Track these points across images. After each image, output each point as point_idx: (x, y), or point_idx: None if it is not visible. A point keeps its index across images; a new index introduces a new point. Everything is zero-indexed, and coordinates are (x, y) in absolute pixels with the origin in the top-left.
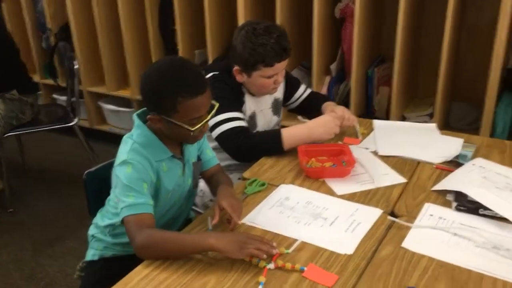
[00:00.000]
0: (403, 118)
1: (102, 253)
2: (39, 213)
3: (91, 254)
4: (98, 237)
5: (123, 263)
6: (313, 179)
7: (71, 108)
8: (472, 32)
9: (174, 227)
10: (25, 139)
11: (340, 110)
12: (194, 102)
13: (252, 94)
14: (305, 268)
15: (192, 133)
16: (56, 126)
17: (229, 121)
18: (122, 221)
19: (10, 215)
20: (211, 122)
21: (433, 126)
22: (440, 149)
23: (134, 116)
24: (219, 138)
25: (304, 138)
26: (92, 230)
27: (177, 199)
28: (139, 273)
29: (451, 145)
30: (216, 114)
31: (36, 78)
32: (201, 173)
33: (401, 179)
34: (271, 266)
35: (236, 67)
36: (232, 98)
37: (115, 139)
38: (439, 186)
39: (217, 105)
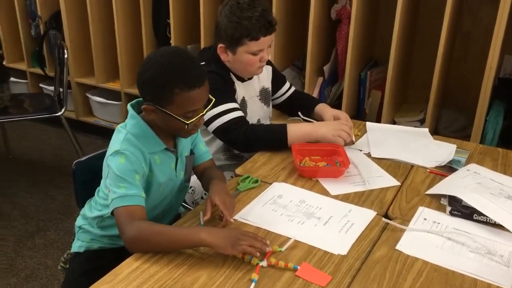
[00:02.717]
0: (394, 123)
1: (88, 245)
2: (21, 204)
3: (77, 245)
4: (86, 229)
5: (109, 256)
6: (306, 178)
7: (58, 98)
8: (467, 40)
9: (164, 222)
10: (10, 128)
11: (344, 116)
12: (191, 95)
13: (241, 80)
14: (299, 267)
15: (187, 126)
16: (42, 116)
17: (227, 112)
18: (112, 213)
19: None
20: (207, 116)
21: (425, 131)
22: (433, 153)
23: (129, 106)
24: (218, 130)
25: (308, 134)
26: (79, 221)
27: (168, 192)
28: (130, 265)
29: (445, 150)
30: (212, 106)
31: (23, 66)
32: (193, 168)
33: (395, 182)
34: (264, 263)
35: (220, 45)
36: (225, 89)
37: (101, 132)
38: (433, 190)
39: (213, 99)
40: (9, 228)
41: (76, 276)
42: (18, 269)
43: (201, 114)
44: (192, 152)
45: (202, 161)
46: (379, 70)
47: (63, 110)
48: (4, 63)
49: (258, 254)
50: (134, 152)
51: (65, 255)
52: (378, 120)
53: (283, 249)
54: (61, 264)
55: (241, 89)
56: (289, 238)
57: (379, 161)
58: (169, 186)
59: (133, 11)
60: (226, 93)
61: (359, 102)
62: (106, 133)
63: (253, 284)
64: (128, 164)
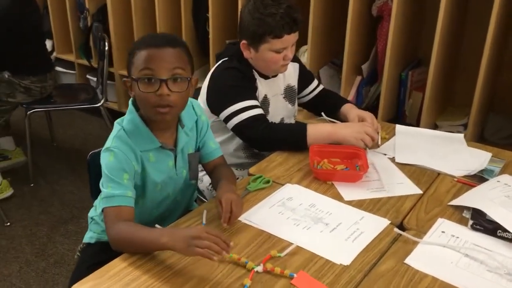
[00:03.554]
0: (435, 127)
1: (99, 236)
2: (59, 190)
3: (89, 236)
4: (96, 220)
5: None
6: (321, 181)
7: (101, 89)
8: None
9: (171, 220)
10: (56, 116)
11: (369, 117)
12: (147, 52)
13: (264, 77)
14: (295, 275)
15: (138, 87)
16: (82, 106)
17: (248, 109)
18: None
19: (31, 189)
20: (226, 113)
21: (460, 136)
22: (464, 161)
23: (130, 101)
24: (237, 128)
25: (328, 135)
26: (91, 213)
27: (171, 191)
28: (122, 262)
29: (477, 158)
30: (232, 103)
31: (72, 57)
32: (203, 165)
33: (417, 190)
34: (259, 268)
35: (243, 41)
36: (246, 86)
37: None
38: (456, 201)
39: (194, 78)
40: (46, 213)
41: (85, 268)
42: (48, 254)
43: (158, 78)
44: (198, 150)
45: (211, 158)
46: (421, 70)
47: (102, 101)
48: (54, 54)
49: (215, 258)
50: (124, 149)
51: (81, 245)
52: (418, 123)
53: (283, 254)
54: (77, 253)
55: (264, 87)
56: (291, 243)
57: (403, 166)
58: (169, 185)
59: (174, 5)
60: (246, 90)
61: (398, 103)
62: None
63: None
64: (116, 163)
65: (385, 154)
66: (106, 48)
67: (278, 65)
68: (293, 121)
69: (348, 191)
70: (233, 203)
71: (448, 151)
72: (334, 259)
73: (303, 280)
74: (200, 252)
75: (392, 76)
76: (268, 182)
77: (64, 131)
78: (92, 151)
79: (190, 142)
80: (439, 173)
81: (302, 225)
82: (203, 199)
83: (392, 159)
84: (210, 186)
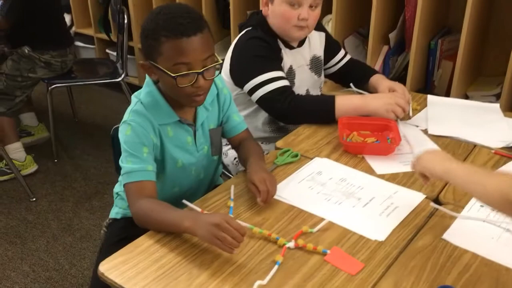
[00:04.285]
0: (466, 97)
1: (125, 212)
2: (82, 166)
3: (115, 212)
4: (122, 196)
5: None
6: (352, 154)
7: (121, 64)
8: None
9: (196, 197)
10: (77, 92)
11: (401, 88)
12: (178, 43)
13: (289, 47)
14: (328, 251)
15: (176, 82)
16: (102, 81)
17: (273, 81)
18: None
19: (54, 165)
20: (251, 85)
21: (496, 106)
22: (502, 132)
23: (147, 74)
24: (262, 100)
25: (357, 108)
26: (116, 188)
27: (193, 169)
28: (151, 237)
29: None
30: (256, 75)
31: (91, 32)
32: (228, 140)
33: None
34: (291, 245)
35: None
36: (271, 56)
37: None
38: None
39: (220, 61)
40: (70, 189)
41: (113, 243)
42: (74, 229)
43: (195, 71)
44: (220, 124)
45: (236, 132)
46: (452, 39)
47: (122, 75)
48: (73, 28)
49: (234, 251)
50: (141, 123)
51: (107, 220)
52: (447, 93)
53: (315, 230)
54: (104, 229)
55: (289, 57)
56: (322, 219)
57: (437, 139)
58: (191, 163)
59: None
60: (271, 61)
61: (427, 73)
62: None
63: (276, 266)
64: (134, 136)
65: (417, 126)
66: (125, 21)
67: (291, 24)
68: (319, 93)
69: (380, 165)
70: (267, 182)
71: (484, 122)
72: (368, 234)
73: (337, 257)
74: (219, 245)
75: (420, 45)
76: (296, 156)
77: (85, 107)
78: (116, 126)
79: (211, 117)
80: (475, 145)
81: (333, 200)
82: (228, 174)
83: (425, 131)
84: (235, 160)
